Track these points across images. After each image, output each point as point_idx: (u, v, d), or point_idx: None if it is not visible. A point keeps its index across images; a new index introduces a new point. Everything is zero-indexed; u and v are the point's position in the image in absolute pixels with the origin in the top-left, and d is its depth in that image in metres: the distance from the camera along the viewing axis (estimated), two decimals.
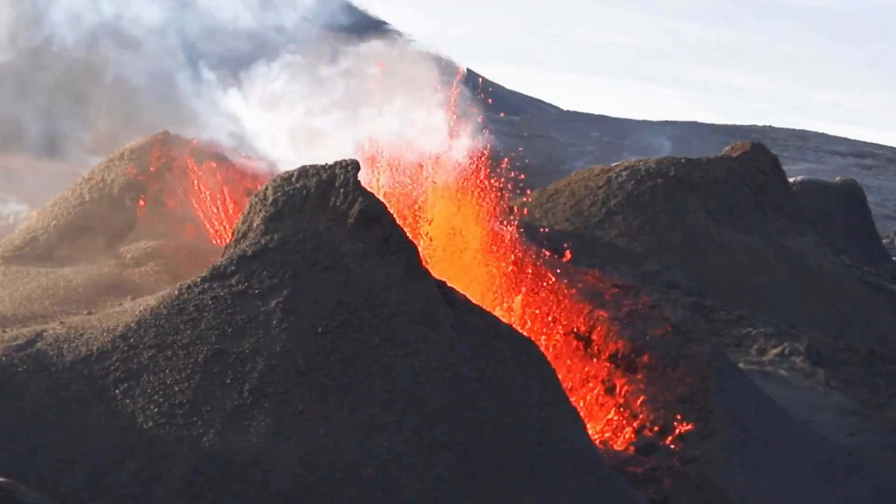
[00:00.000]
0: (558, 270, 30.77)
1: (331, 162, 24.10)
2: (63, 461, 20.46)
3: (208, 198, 30.82)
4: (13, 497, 18.15)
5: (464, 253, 29.87)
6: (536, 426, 22.47)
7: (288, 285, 22.83)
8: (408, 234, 23.82)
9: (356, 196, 23.55)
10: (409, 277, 23.24)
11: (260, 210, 23.97)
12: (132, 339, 22.10)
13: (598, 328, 28.38)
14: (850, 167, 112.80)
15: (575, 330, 28.76)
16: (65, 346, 22.18)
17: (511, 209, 43.91)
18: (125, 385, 21.42)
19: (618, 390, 27.22)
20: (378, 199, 23.86)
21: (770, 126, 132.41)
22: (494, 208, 31.00)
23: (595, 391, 27.51)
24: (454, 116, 29.97)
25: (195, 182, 30.94)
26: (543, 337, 29.02)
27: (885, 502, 26.52)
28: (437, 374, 22.19)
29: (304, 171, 24.13)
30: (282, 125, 29.41)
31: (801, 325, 39.54)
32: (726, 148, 49.60)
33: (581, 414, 24.85)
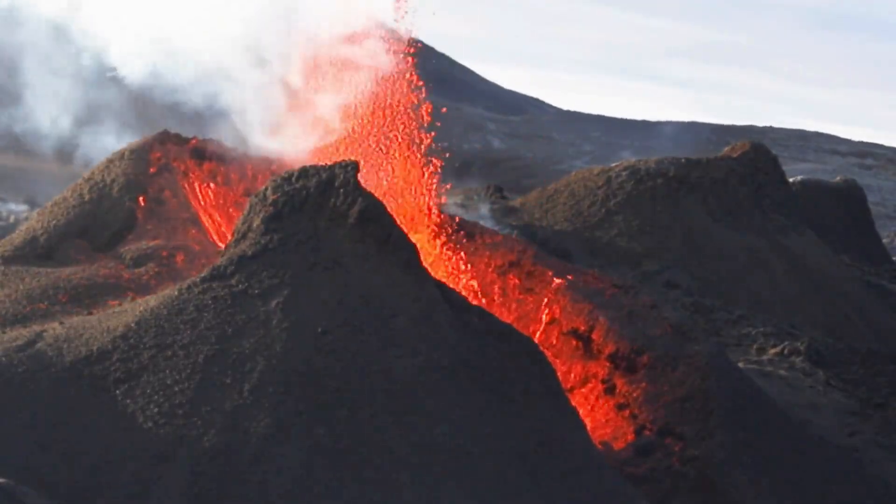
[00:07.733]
0: (558, 270, 30.74)
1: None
2: (63, 461, 20.45)
3: (208, 198, 30.79)
4: (13, 497, 18.16)
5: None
6: (536, 426, 22.47)
7: (288, 285, 22.83)
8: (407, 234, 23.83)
9: (356, 196, 23.56)
10: (409, 277, 23.24)
11: (260, 210, 23.97)
12: (132, 340, 22.10)
13: (598, 328, 28.36)
14: (850, 167, 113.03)
15: (575, 330, 28.74)
16: (65, 346, 22.17)
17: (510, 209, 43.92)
18: (125, 385, 21.41)
19: (618, 390, 27.20)
20: (378, 200, 23.86)
21: (770, 126, 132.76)
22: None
23: (595, 391, 27.49)
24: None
25: (195, 182, 30.91)
26: (543, 337, 29.00)
27: (885, 502, 26.52)
28: (437, 374, 22.18)
29: (303, 172, 24.13)
30: None
31: (801, 325, 39.55)
32: (726, 148, 49.69)
33: (581, 414, 24.85)
